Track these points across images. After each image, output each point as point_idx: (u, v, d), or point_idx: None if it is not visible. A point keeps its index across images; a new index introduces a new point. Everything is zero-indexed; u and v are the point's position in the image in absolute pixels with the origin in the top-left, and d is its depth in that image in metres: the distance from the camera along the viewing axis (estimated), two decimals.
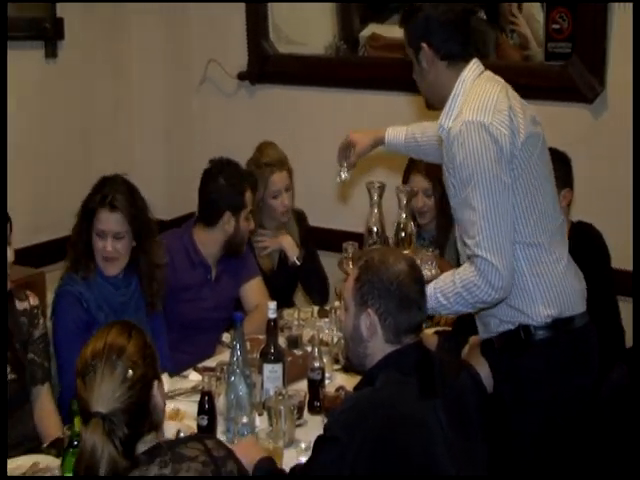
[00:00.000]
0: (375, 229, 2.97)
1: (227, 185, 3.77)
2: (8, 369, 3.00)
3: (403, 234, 2.91)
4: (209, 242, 3.80)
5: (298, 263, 4.04)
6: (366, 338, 2.42)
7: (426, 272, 2.80)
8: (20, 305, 3.10)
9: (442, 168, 2.90)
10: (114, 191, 3.29)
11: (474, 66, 2.82)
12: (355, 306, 2.43)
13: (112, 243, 3.27)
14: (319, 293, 4.19)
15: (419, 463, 2.25)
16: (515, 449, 2.74)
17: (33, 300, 3.15)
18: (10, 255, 2.96)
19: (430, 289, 2.67)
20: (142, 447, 2.01)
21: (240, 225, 3.77)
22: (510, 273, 2.64)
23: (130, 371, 1.99)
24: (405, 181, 3.90)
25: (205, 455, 2.04)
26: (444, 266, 2.86)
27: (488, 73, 2.83)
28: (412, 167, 3.88)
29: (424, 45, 2.79)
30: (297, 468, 2.44)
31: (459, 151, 2.65)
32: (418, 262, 2.79)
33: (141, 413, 2.01)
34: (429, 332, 3.22)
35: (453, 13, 2.82)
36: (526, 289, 2.73)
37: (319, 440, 2.28)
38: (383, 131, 3.33)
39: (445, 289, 2.69)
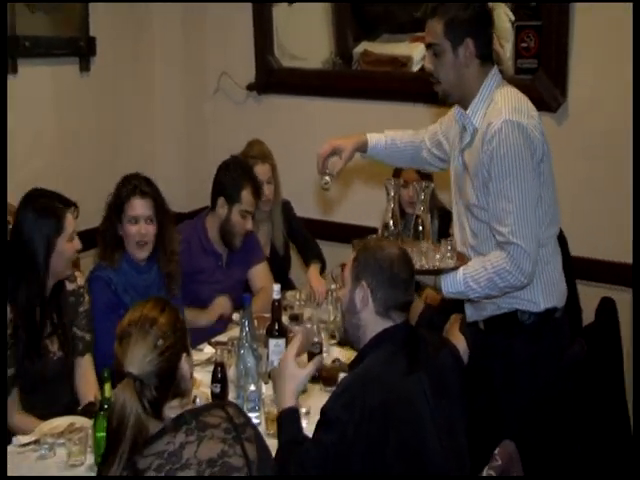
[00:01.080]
0: (391, 222, 2.87)
1: (229, 176, 3.77)
2: (56, 345, 3.02)
3: (421, 228, 2.83)
4: (212, 226, 3.81)
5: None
6: (359, 309, 2.42)
7: (448, 262, 2.73)
8: (69, 286, 3.12)
9: (456, 156, 2.83)
10: (140, 181, 3.33)
11: (497, 71, 2.74)
12: (352, 281, 2.44)
13: (145, 227, 3.29)
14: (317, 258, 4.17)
15: (409, 432, 2.25)
16: (501, 422, 2.72)
17: (80, 280, 3.17)
18: (78, 243, 3.01)
19: (459, 275, 2.64)
20: (168, 411, 1.99)
21: (232, 216, 3.74)
22: (536, 261, 2.59)
23: (160, 340, 1.97)
24: (396, 174, 3.78)
25: (227, 422, 2.01)
26: (461, 257, 2.80)
27: (505, 81, 2.76)
28: None
29: (469, 41, 2.66)
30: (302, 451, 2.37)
31: (500, 146, 2.56)
32: (438, 256, 2.76)
33: (168, 379, 1.99)
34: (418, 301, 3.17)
35: (490, 14, 2.75)
36: (532, 284, 2.67)
37: (321, 422, 2.26)
38: (362, 136, 3.15)
39: (476, 275, 2.62)
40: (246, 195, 3.74)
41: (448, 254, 2.75)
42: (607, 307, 3.44)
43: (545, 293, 2.72)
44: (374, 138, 3.14)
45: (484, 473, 2.19)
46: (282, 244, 4.15)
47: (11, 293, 2.90)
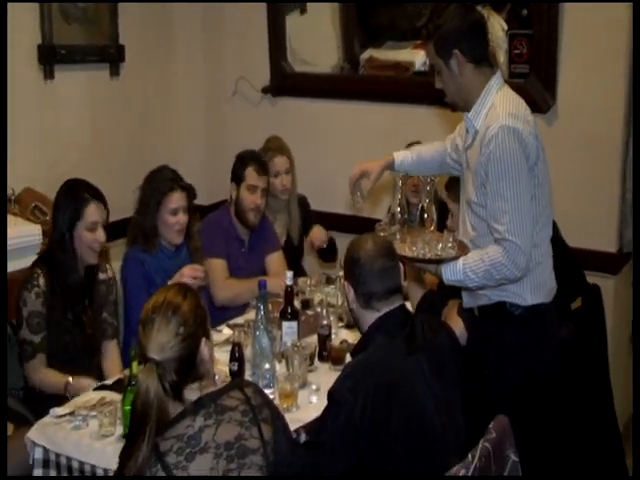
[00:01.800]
0: (398, 211, 2.88)
1: (236, 161, 3.81)
2: (85, 324, 3.06)
3: (426, 216, 2.82)
4: (232, 213, 3.81)
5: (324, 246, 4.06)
6: (351, 305, 2.46)
7: (450, 251, 2.72)
8: (101, 276, 3.17)
9: (462, 154, 2.81)
10: (176, 176, 3.38)
11: (499, 75, 2.70)
12: (345, 280, 2.47)
13: (182, 217, 3.33)
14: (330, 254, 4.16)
15: (410, 409, 2.26)
16: (494, 403, 2.70)
17: (110, 272, 3.21)
18: (101, 235, 3.04)
19: (459, 265, 2.63)
20: (188, 393, 1.96)
21: (240, 194, 3.75)
22: (529, 256, 2.57)
23: (182, 327, 1.93)
24: None
25: (244, 404, 1.98)
26: (462, 247, 2.80)
27: (506, 85, 2.73)
28: None
29: (456, 51, 2.62)
30: (309, 436, 2.39)
31: (497, 149, 2.54)
32: (440, 245, 2.74)
33: (188, 364, 1.95)
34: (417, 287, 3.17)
35: (473, 21, 2.69)
36: (522, 280, 2.65)
37: (330, 404, 2.26)
38: (389, 157, 3.09)
39: (474, 266, 2.61)
40: (250, 172, 3.74)
41: (449, 244, 2.74)
42: (592, 293, 3.43)
43: (533, 291, 2.70)
44: (400, 156, 3.10)
45: (480, 445, 2.19)
46: (297, 235, 4.14)
47: (49, 266, 2.97)
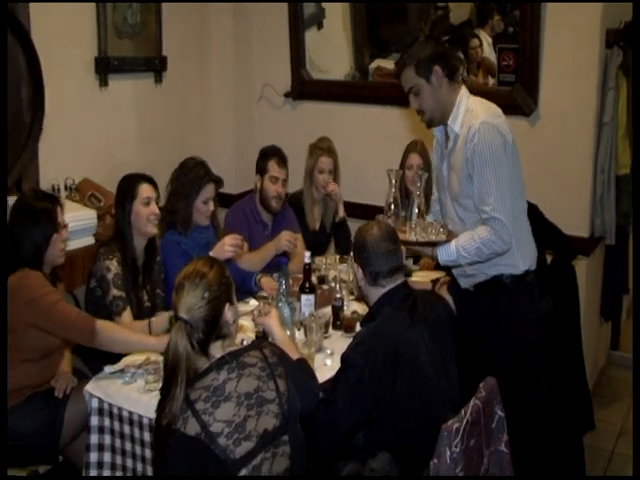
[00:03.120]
0: (392, 205, 2.86)
1: (260, 155, 3.80)
2: (146, 297, 3.09)
3: (417, 210, 2.80)
4: (257, 200, 3.79)
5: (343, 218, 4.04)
6: (359, 283, 2.46)
7: (441, 236, 2.71)
8: (158, 258, 3.21)
9: (440, 162, 2.81)
10: (209, 171, 3.39)
11: (465, 89, 2.73)
12: (354, 262, 2.47)
13: (211, 204, 3.37)
14: (344, 245, 4.10)
15: (412, 372, 2.26)
16: (492, 363, 2.69)
17: (159, 258, 3.23)
18: (155, 208, 3.06)
19: (452, 246, 2.64)
20: (213, 350, 1.98)
21: (264, 184, 3.73)
22: (512, 231, 2.58)
23: (207, 292, 1.96)
24: (404, 159, 3.83)
25: (262, 362, 2.01)
26: (450, 234, 2.79)
27: (471, 95, 2.75)
28: (410, 149, 3.84)
29: (436, 67, 2.65)
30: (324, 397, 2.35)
31: (480, 142, 2.56)
32: (433, 231, 2.74)
33: (213, 324, 1.98)
34: (425, 279, 3.19)
35: (444, 46, 2.76)
36: (511, 249, 2.66)
37: (343, 367, 2.25)
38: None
39: (466, 245, 2.61)
40: (272, 165, 3.72)
41: (441, 230, 2.74)
42: (569, 272, 3.42)
43: (523, 258, 2.71)
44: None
45: (471, 403, 2.19)
46: (330, 225, 4.10)
47: (119, 243, 2.99)
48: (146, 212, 3.03)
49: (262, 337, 2.77)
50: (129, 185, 3.07)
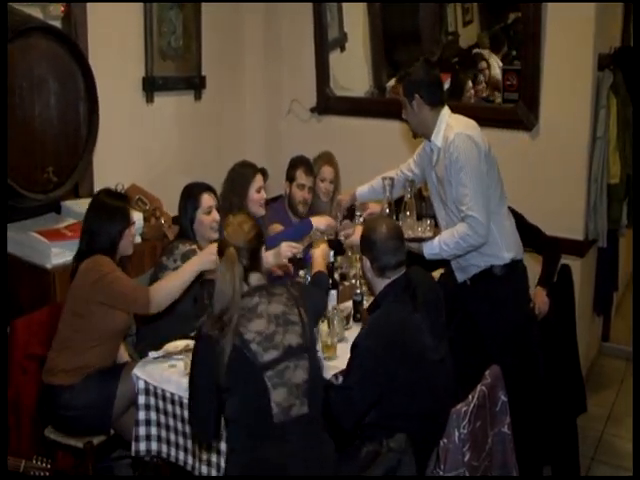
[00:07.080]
0: (387, 210, 2.96)
1: (289, 164, 3.81)
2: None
3: (408, 213, 2.84)
4: (285, 203, 3.80)
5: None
6: (367, 275, 2.48)
7: (428, 233, 2.77)
8: None
9: (430, 173, 2.85)
10: (255, 166, 3.44)
11: (447, 109, 2.76)
12: (362, 255, 2.48)
13: (264, 193, 3.41)
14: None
15: (416, 349, 2.27)
16: (489, 347, 2.73)
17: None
18: (216, 216, 3.06)
19: (436, 242, 2.70)
20: (251, 278, 2.16)
21: (292, 190, 3.74)
22: (488, 226, 2.63)
23: (252, 230, 2.17)
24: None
25: (287, 293, 2.17)
26: (437, 231, 2.82)
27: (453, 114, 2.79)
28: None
29: (417, 96, 2.71)
30: (335, 381, 2.40)
31: (455, 150, 2.62)
32: (420, 228, 2.79)
33: (253, 256, 2.16)
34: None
35: (433, 76, 2.75)
36: (495, 242, 2.72)
37: (355, 354, 2.26)
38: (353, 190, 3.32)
39: (447, 240, 2.67)
40: (300, 173, 3.73)
41: (428, 228, 2.81)
42: (565, 271, 3.40)
43: (507, 249, 2.76)
44: (359, 190, 3.30)
45: (478, 389, 2.20)
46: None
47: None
48: (209, 220, 3.04)
49: (298, 260, 2.93)
50: (192, 194, 3.05)
